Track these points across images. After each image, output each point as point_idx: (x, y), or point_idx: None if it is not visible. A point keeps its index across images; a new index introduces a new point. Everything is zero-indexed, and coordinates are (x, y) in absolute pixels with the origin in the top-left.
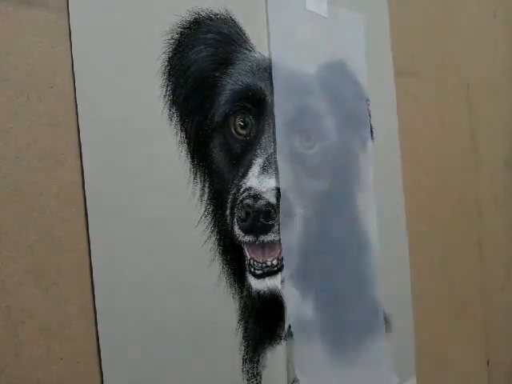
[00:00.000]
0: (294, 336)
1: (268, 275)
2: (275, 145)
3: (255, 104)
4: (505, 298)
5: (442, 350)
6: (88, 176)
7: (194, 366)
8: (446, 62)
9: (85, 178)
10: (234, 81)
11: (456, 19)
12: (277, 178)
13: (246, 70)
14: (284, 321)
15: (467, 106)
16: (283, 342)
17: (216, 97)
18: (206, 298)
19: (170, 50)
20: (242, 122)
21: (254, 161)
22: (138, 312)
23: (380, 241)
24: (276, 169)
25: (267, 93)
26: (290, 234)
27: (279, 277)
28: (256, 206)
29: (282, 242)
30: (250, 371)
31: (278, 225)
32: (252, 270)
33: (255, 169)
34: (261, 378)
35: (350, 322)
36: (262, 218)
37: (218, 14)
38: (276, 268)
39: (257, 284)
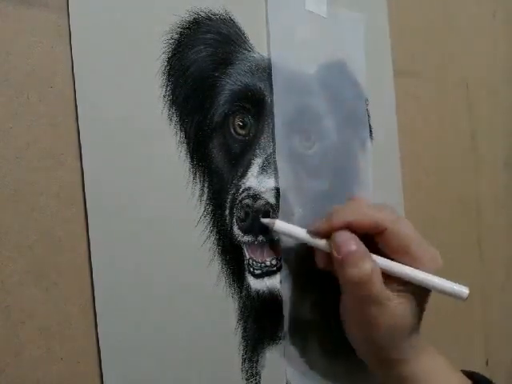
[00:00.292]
0: (288, 337)
1: (267, 275)
2: (274, 145)
3: (254, 104)
4: (505, 297)
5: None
6: (88, 176)
7: (193, 366)
8: (446, 62)
9: (85, 177)
10: (234, 81)
11: (456, 19)
12: (276, 178)
13: (245, 71)
14: (283, 321)
15: (467, 106)
16: (282, 342)
17: (215, 97)
18: (205, 297)
19: (170, 50)
20: (241, 122)
21: (253, 161)
22: (138, 312)
23: None
24: (275, 169)
25: (266, 93)
26: None
27: (278, 277)
28: (255, 206)
29: (280, 241)
30: (249, 371)
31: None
32: (251, 269)
33: (254, 169)
34: (260, 377)
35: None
36: (262, 217)
37: (217, 14)
38: (275, 268)
39: (256, 284)
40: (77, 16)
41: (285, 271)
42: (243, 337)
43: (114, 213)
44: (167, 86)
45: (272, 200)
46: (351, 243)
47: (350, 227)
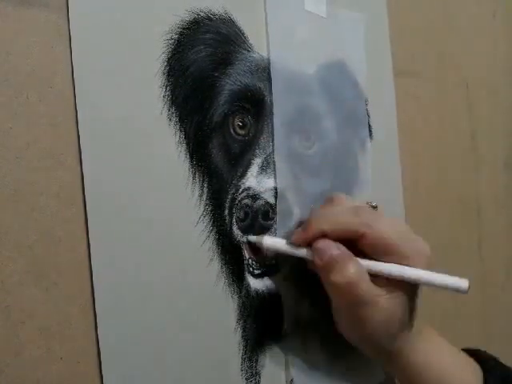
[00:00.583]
0: (289, 335)
1: (267, 275)
2: (274, 145)
3: (254, 104)
4: (505, 297)
5: None
6: (88, 176)
7: (193, 366)
8: (446, 62)
9: (84, 177)
10: (233, 81)
11: (456, 19)
12: (275, 178)
13: (244, 71)
14: (283, 320)
15: (467, 106)
16: (282, 342)
17: (215, 97)
18: (204, 297)
19: (170, 50)
20: (240, 122)
21: (252, 161)
22: (138, 312)
23: None
24: (275, 169)
25: (266, 93)
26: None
27: (278, 276)
28: (255, 206)
29: None
30: (249, 370)
31: (277, 225)
32: (251, 269)
33: (254, 169)
34: (260, 377)
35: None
36: (261, 217)
37: (216, 15)
38: (275, 268)
39: (255, 284)
40: (77, 16)
41: (284, 270)
42: (243, 336)
43: (114, 213)
44: (167, 86)
45: (271, 200)
46: (332, 249)
47: (327, 236)
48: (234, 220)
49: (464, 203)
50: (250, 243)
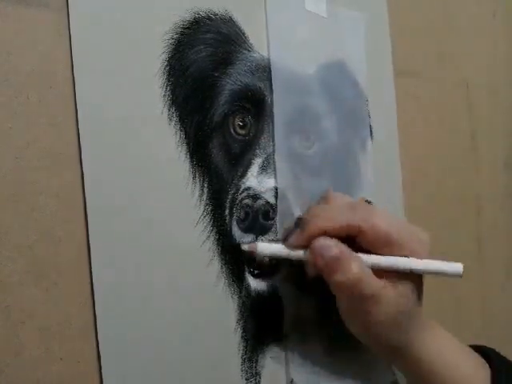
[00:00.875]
0: (289, 336)
1: (267, 275)
2: (274, 145)
3: (254, 104)
4: (505, 297)
5: None
6: (88, 176)
7: (193, 366)
8: (446, 62)
9: (84, 177)
10: (234, 81)
11: (456, 19)
12: (276, 177)
13: (245, 70)
14: (283, 320)
15: (467, 106)
16: (282, 342)
17: (215, 97)
18: (204, 297)
19: (170, 49)
20: (241, 122)
21: (253, 161)
22: (138, 312)
23: None
24: (275, 169)
25: (266, 93)
26: None
27: (278, 277)
28: (255, 206)
29: (279, 241)
30: (249, 371)
31: (278, 225)
32: (251, 269)
33: (254, 169)
34: (260, 377)
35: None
36: (262, 217)
37: (217, 14)
38: (275, 268)
39: (256, 284)
40: (77, 16)
41: (284, 270)
42: (243, 337)
43: (114, 213)
44: (167, 85)
45: (272, 200)
46: (331, 249)
47: (326, 234)
48: (235, 220)
49: (464, 203)
50: (250, 243)
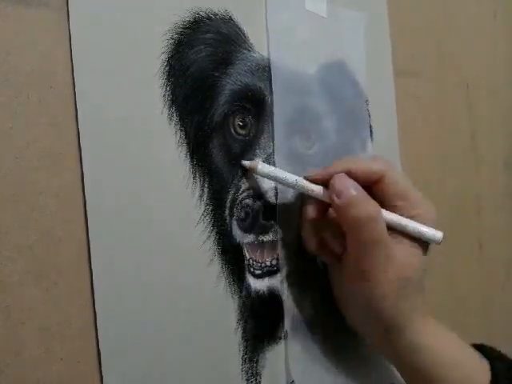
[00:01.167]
0: (289, 336)
1: (267, 275)
2: (274, 145)
3: (254, 104)
4: (505, 298)
5: None
6: (88, 176)
7: (193, 366)
8: (446, 62)
9: (85, 177)
10: (234, 81)
11: (456, 19)
12: None
13: (245, 70)
14: (283, 321)
15: (467, 105)
16: (283, 342)
17: (215, 97)
18: (205, 297)
19: (170, 49)
20: (241, 122)
21: None
22: (138, 312)
23: None
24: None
25: (266, 93)
26: (288, 233)
27: (279, 277)
28: (255, 205)
29: (279, 241)
30: (250, 371)
31: (278, 224)
32: (251, 269)
33: None
34: (260, 377)
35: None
36: (262, 217)
37: (217, 14)
38: (275, 268)
39: (256, 284)
40: (77, 16)
41: (284, 270)
42: (243, 337)
43: (114, 213)
44: (167, 85)
45: (272, 200)
46: (352, 188)
47: (349, 176)
48: (235, 220)
49: (464, 203)
50: (250, 243)
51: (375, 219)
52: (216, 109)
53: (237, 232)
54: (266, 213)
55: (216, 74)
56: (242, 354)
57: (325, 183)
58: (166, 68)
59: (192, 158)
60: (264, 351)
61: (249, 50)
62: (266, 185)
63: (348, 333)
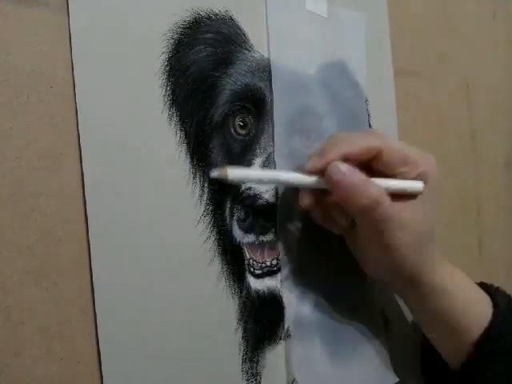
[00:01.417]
0: (291, 335)
1: (268, 275)
2: (274, 144)
3: (255, 104)
4: None
5: None
6: (88, 176)
7: (193, 366)
8: (446, 62)
9: (85, 177)
10: (234, 81)
11: (456, 19)
12: None
13: (245, 70)
14: (283, 321)
15: (467, 105)
16: (283, 342)
17: (216, 97)
18: (205, 297)
19: (170, 49)
20: (241, 122)
21: (253, 161)
22: (138, 312)
23: None
24: (275, 168)
25: (267, 93)
26: (289, 233)
27: (279, 277)
28: (255, 205)
29: (280, 241)
30: (250, 371)
31: (278, 224)
32: (251, 270)
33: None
34: (260, 377)
35: (349, 321)
36: (262, 217)
37: (217, 14)
38: (276, 268)
39: (256, 284)
40: (77, 16)
41: (284, 271)
42: (243, 337)
43: (114, 213)
44: (167, 85)
45: (272, 200)
46: (352, 173)
47: (346, 158)
48: (235, 220)
49: (464, 203)
50: (250, 243)
51: (380, 202)
52: (216, 109)
53: (237, 232)
54: (267, 213)
55: (216, 74)
56: (242, 354)
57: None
58: (166, 68)
59: (192, 157)
60: (264, 351)
61: (249, 50)
62: (266, 185)
63: (348, 332)
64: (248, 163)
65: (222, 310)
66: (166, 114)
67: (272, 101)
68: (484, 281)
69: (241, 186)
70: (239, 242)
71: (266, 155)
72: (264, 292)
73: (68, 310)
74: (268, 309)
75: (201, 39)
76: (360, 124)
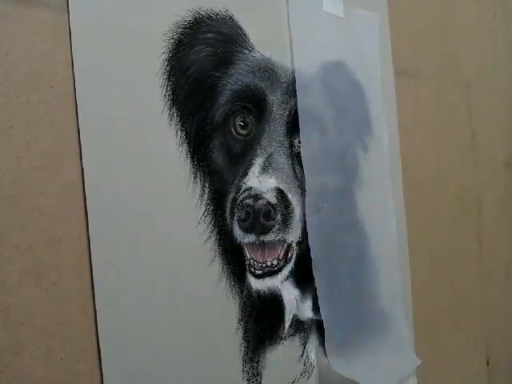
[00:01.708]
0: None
1: (268, 275)
2: (275, 144)
3: (255, 104)
4: (505, 298)
5: (441, 350)
6: (88, 176)
7: (194, 366)
8: (446, 62)
9: (85, 177)
10: (234, 81)
11: (456, 19)
12: (277, 177)
13: (246, 70)
14: (284, 321)
15: (467, 106)
16: (283, 342)
17: (216, 97)
18: (205, 298)
19: (170, 49)
20: (242, 121)
21: (253, 161)
22: (138, 312)
23: (380, 240)
24: (276, 169)
25: (267, 93)
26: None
27: (279, 277)
28: (256, 206)
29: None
30: (250, 371)
31: (278, 225)
32: (252, 270)
33: (255, 169)
34: (261, 377)
35: (349, 321)
36: (262, 218)
37: (218, 14)
38: (276, 268)
39: (257, 284)
40: (77, 16)
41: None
42: (244, 337)
43: (114, 213)
44: (168, 85)
45: (273, 200)
46: None
47: None
48: (236, 220)
49: (464, 203)
50: (251, 243)
51: None
52: (217, 109)
53: (237, 232)
54: (267, 213)
55: (217, 74)
56: (242, 355)
57: None
58: (167, 68)
59: (193, 157)
60: (265, 351)
61: (250, 50)
62: (267, 185)
63: (346, 332)
64: (248, 163)
65: (223, 310)
66: (166, 114)
67: (273, 101)
68: (485, 280)
69: (241, 185)
70: (240, 242)
71: (267, 155)
72: (264, 292)
73: (68, 310)
74: (268, 309)
75: (201, 39)
76: (360, 124)
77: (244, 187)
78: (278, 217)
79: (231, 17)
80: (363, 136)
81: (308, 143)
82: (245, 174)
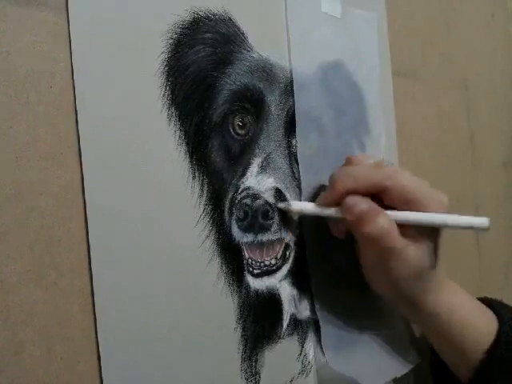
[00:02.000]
0: (290, 335)
1: (266, 274)
2: (273, 144)
3: (254, 104)
4: (504, 298)
5: None
6: (88, 176)
7: (192, 365)
8: (444, 63)
9: (85, 177)
10: (233, 81)
11: (455, 20)
12: (275, 177)
13: (244, 70)
14: (282, 320)
15: (466, 106)
16: (281, 341)
17: (215, 97)
18: (204, 297)
19: (169, 49)
20: (240, 121)
21: (252, 160)
22: (138, 312)
23: None
24: (274, 168)
25: (266, 93)
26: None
27: (277, 276)
28: (254, 205)
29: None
30: (249, 370)
31: (277, 224)
32: (250, 269)
33: (253, 168)
34: (260, 376)
35: (350, 321)
36: (261, 217)
37: (216, 14)
38: (274, 267)
39: (255, 283)
40: (76, 16)
41: (284, 270)
42: (242, 336)
43: (114, 213)
44: (166, 85)
45: (271, 199)
46: (362, 203)
47: (353, 193)
48: (234, 220)
49: (463, 203)
50: (249, 242)
51: (387, 234)
52: (215, 109)
53: (236, 232)
54: (265, 212)
55: (215, 74)
56: (241, 354)
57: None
58: (166, 68)
59: (191, 157)
60: (263, 350)
61: (248, 50)
62: (265, 185)
63: (346, 333)
64: (247, 163)
65: (221, 309)
66: (165, 114)
67: (271, 101)
68: (484, 280)
69: (239, 185)
70: (238, 241)
71: (265, 155)
72: (263, 291)
73: (68, 309)
74: (267, 308)
75: (200, 39)
76: (359, 124)
77: (242, 187)
78: (276, 216)
79: (230, 17)
80: (361, 136)
81: (305, 143)
82: (243, 173)
